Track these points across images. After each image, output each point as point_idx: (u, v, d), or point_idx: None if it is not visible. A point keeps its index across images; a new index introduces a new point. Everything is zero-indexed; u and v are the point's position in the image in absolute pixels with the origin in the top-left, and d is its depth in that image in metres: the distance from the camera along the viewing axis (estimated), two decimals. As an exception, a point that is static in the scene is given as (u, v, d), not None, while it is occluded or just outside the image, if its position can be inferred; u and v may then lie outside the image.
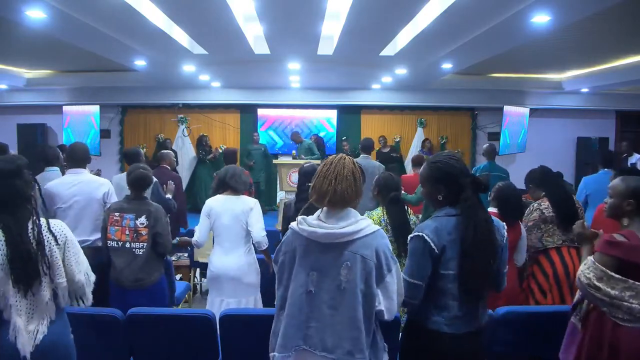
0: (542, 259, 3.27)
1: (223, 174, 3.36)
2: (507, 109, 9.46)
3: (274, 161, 8.41)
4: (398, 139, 10.37)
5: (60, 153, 4.21)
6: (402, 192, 3.60)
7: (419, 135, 10.37)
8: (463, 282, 1.91)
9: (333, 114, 10.44)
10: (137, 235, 3.06)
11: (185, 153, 9.90)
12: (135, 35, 5.50)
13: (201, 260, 4.69)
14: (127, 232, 3.06)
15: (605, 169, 4.69)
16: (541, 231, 3.26)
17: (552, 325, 2.50)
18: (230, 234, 3.23)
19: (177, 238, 3.92)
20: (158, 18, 5.01)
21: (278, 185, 8.39)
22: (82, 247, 2.15)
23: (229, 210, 3.24)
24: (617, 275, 2.06)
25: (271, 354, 1.87)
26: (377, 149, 9.96)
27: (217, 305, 3.22)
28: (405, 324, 2.15)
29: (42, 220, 1.98)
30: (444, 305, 1.93)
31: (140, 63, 7.07)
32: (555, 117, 10.48)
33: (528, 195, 3.74)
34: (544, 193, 3.43)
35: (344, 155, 1.89)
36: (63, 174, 3.75)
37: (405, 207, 3.14)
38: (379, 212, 3.07)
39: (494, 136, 10.04)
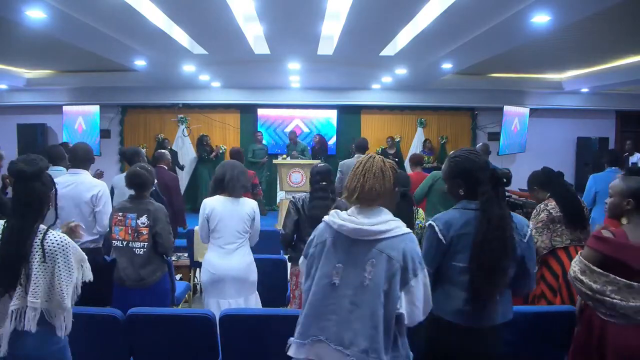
0: (551, 259, 3.26)
1: (221, 176, 3.28)
2: (507, 109, 9.47)
3: (274, 161, 8.42)
4: (398, 139, 10.37)
5: (64, 152, 4.20)
6: None
7: (419, 135, 10.37)
8: (471, 277, 1.93)
9: (333, 114, 10.44)
10: (138, 235, 3.06)
11: (185, 153, 9.90)
12: (135, 35, 5.50)
13: (201, 260, 4.67)
14: (129, 232, 3.07)
15: (612, 167, 4.70)
16: (550, 231, 3.27)
17: (556, 325, 2.49)
18: (233, 235, 3.22)
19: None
20: (158, 18, 5.01)
21: (278, 185, 8.40)
22: None
23: (234, 213, 3.22)
24: (598, 270, 2.10)
25: (289, 339, 1.88)
26: (383, 148, 10.06)
27: (217, 306, 3.19)
28: None
29: (42, 229, 1.93)
30: (452, 296, 1.95)
31: (140, 63, 7.07)
32: (555, 117, 10.48)
33: (526, 194, 3.75)
34: (548, 194, 3.43)
35: (375, 154, 1.91)
36: None
37: (413, 204, 3.16)
38: None
39: (494, 136, 10.05)
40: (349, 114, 10.51)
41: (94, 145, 9.20)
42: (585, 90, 9.40)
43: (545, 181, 3.43)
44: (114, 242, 3.11)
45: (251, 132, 10.20)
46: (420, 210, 3.58)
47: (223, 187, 3.26)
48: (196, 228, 4.65)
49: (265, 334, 2.60)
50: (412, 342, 1.92)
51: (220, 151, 9.97)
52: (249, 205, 3.28)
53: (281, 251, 4.72)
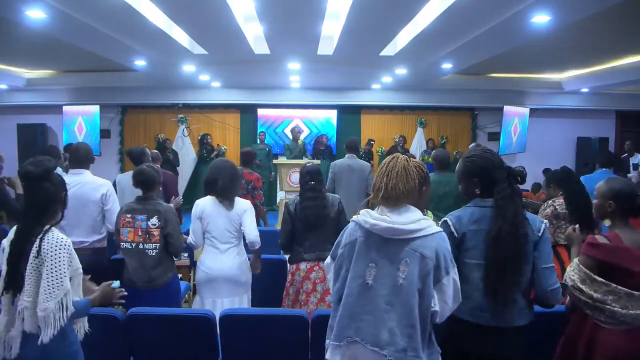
0: None
1: (212, 179, 3.25)
2: (507, 109, 9.47)
3: (274, 161, 8.41)
4: (397, 139, 10.38)
5: (62, 153, 4.22)
6: None
7: (419, 135, 10.37)
8: (486, 273, 1.95)
9: (333, 114, 10.44)
10: (150, 236, 3.05)
11: (185, 153, 9.90)
12: (135, 35, 5.51)
13: (200, 260, 4.69)
14: (139, 234, 3.05)
15: (603, 169, 4.67)
16: (553, 227, 3.30)
17: (555, 325, 2.49)
18: (224, 236, 3.22)
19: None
20: (158, 18, 5.01)
21: (278, 185, 8.39)
22: (80, 249, 2.11)
23: (223, 213, 3.22)
24: (599, 279, 2.08)
25: (327, 342, 1.88)
26: (383, 148, 10.14)
27: (210, 306, 3.20)
28: None
29: (46, 228, 1.93)
30: (465, 294, 1.93)
31: (140, 63, 7.07)
32: (555, 117, 10.48)
33: (529, 194, 3.77)
34: (561, 192, 3.45)
35: (399, 154, 1.91)
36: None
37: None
38: None
39: (494, 136, 10.06)
40: (349, 114, 10.51)
41: (94, 146, 9.20)
42: (585, 90, 9.40)
43: (562, 180, 3.45)
44: (122, 244, 3.09)
45: (251, 132, 10.20)
46: (429, 212, 3.58)
47: (214, 190, 3.25)
48: (190, 228, 4.64)
49: (265, 334, 2.60)
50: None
51: (222, 150, 9.97)
52: (240, 205, 3.25)
53: (281, 251, 4.73)
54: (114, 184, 4.34)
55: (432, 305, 1.76)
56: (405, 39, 5.90)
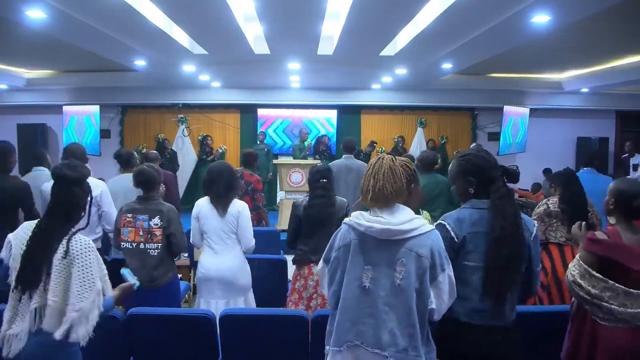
0: (542, 253, 3.29)
1: (208, 182, 3.25)
2: (507, 109, 9.47)
3: (274, 161, 8.40)
4: (397, 139, 10.38)
5: (47, 154, 4.30)
6: None
7: (419, 135, 10.37)
8: (487, 274, 1.93)
9: (333, 114, 10.44)
10: (151, 236, 3.04)
11: (185, 153, 9.89)
12: (135, 35, 5.51)
13: (201, 260, 4.69)
14: (140, 233, 3.04)
15: (586, 168, 4.66)
16: (545, 224, 3.31)
17: (554, 325, 2.50)
18: (219, 236, 3.22)
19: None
20: (158, 18, 5.01)
21: (278, 185, 8.39)
22: None
23: (217, 214, 3.22)
24: (597, 275, 2.12)
25: (326, 347, 1.88)
26: (383, 148, 10.11)
27: (205, 305, 3.20)
28: None
29: (72, 231, 1.97)
30: (464, 296, 1.93)
31: (140, 63, 7.07)
32: (555, 117, 10.49)
33: (529, 193, 3.77)
34: (557, 192, 3.46)
35: (384, 154, 1.90)
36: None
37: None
38: None
39: (494, 136, 10.06)
40: (349, 114, 10.51)
41: (94, 145, 9.21)
42: (585, 90, 9.40)
43: (564, 180, 3.46)
44: (122, 243, 3.08)
45: (251, 132, 10.19)
46: (426, 213, 3.58)
47: (211, 192, 3.25)
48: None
49: (265, 334, 2.60)
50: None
51: (220, 151, 9.96)
52: (235, 206, 3.24)
53: (281, 251, 4.73)
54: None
55: (429, 303, 1.77)
56: (405, 39, 5.90)
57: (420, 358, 1.74)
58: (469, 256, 1.97)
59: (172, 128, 10.17)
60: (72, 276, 1.91)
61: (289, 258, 3.67)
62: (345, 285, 1.83)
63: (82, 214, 2.07)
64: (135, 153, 4.89)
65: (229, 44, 6.02)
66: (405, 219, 1.80)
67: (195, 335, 2.61)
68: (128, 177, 3.57)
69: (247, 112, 10.40)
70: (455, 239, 1.96)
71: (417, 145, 10.21)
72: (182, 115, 10.08)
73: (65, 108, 9.47)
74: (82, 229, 2.05)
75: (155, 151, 5.71)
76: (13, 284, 1.93)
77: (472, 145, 6.20)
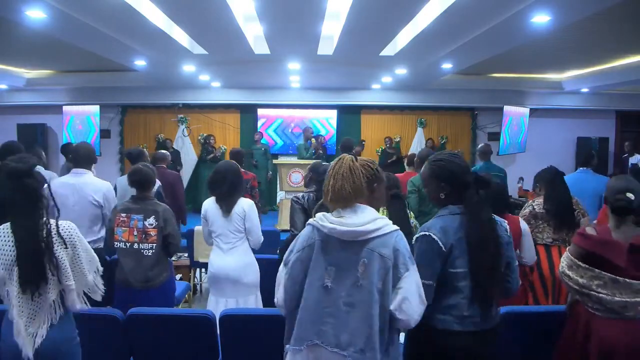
0: None
1: (213, 183, 3.26)
2: (507, 109, 9.47)
3: (274, 161, 8.40)
4: (398, 139, 10.38)
5: (43, 154, 4.30)
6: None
7: (419, 135, 10.37)
8: (473, 279, 1.93)
9: (333, 114, 10.44)
10: (146, 236, 3.03)
11: (185, 153, 9.90)
12: (135, 35, 5.50)
13: (201, 260, 4.70)
14: (135, 233, 3.02)
15: (582, 168, 4.65)
16: (532, 227, 3.31)
17: (552, 325, 2.50)
18: (226, 235, 3.23)
19: None
20: (158, 18, 5.01)
21: (278, 185, 8.39)
22: None
23: (223, 214, 3.24)
24: (583, 265, 2.18)
25: (285, 346, 1.88)
26: (383, 148, 10.09)
27: (216, 305, 3.22)
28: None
29: (52, 222, 1.98)
30: (453, 304, 1.93)
31: (140, 63, 7.07)
32: (555, 117, 10.48)
33: (528, 193, 3.76)
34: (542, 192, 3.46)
35: (345, 155, 1.90)
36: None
37: (407, 206, 3.14)
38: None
39: (494, 136, 10.05)
40: (349, 114, 10.51)
41: (94, 146, 9.20)
42: (585, 90, 9.41)
43: (549, 180, 3.46)
44: (116, 243, 3.07)
45: (251, 132, 10.19)
46: (411, 213, 3.58)
47: (215, 192, 3.26)
48: (196, 228, 4.67)
49: (265, 334, 2.60)
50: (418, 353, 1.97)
51: (220, 151, 9.96)
52: (240, 204, 3.25)
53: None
54: (115, 187, 4.36)
55: (393, 304, 1.74)
56: (405, 39, 5.90)
57: None
58: (456, 262, 1.95)
59: (172, 128, 10.18)
60: (79, 257, 2.05)
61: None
62: (307, 285, 1.83)
63: (44, 203, 1.99)
64: (145, 150, 4.89)
65: (229, 44, 6.02)
66: (368, 219, 1.79)
67: (195, 335, 2.61)
68: None
69: (247, 112, 10.40)
70: (443, 249, 1.93)
71: (417, 145, 10.18)
72: (182, 115, 10.09)
73: (65, 108, 9.47)
74: (57, 217, 2.03)
75: (164, 151, 5.69)
76: (17, 288, 1.91)
77: (479, 147, 6.22)
